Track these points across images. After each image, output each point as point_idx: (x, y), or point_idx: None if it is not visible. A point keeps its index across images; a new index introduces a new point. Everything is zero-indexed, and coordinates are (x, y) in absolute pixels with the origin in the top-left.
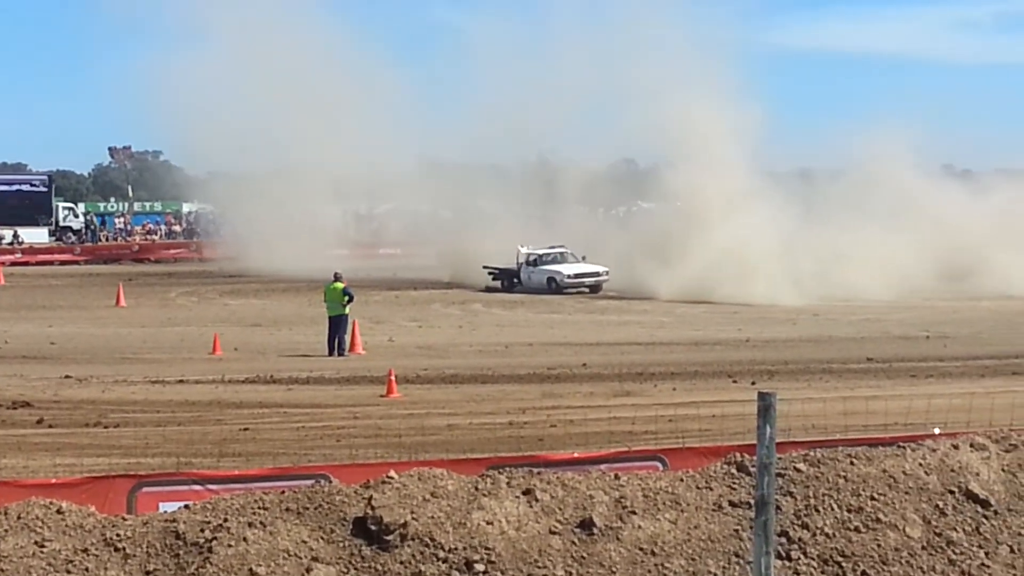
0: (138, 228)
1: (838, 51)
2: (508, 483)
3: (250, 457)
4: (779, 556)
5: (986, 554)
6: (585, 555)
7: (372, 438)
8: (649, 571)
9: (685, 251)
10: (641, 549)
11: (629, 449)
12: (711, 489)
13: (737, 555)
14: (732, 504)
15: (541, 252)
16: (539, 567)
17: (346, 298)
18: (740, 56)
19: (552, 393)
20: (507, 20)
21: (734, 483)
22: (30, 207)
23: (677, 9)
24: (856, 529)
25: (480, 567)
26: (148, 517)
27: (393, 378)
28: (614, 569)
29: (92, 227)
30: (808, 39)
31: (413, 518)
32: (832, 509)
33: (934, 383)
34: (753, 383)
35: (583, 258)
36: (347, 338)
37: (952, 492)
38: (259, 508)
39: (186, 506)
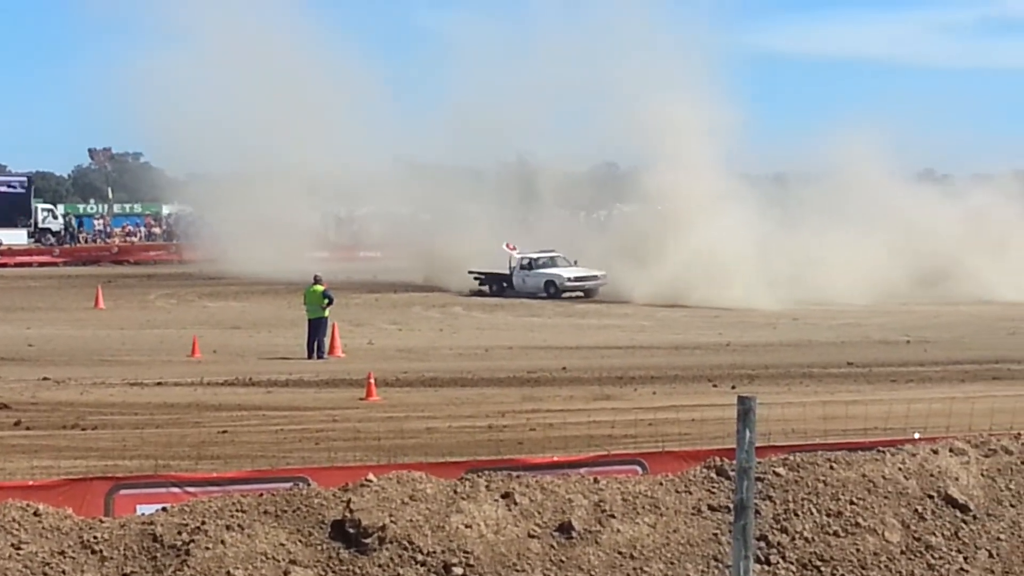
0: (117, 230)
1: (823, 55)
2: (487, 486)
3: (228, 460)
4: (758, 560)
5: (965, 559)
6: (564, 559)
7: (351, 441)
8: (628, 575)
9: (660, 254)
10: (620, 553)
11: (609, 453)
12: (690, 493)
13: (716, 559)
14: (711, 508)
15: (534, 256)
16: (518, 570)
17: (326, 301)
18: (720, 58)
19: (532, 397)
20: (486, 21)
21: (713, 487)
22: (9, 208)
23: (658, 11)
24: (835, 533)
25: (459, 570)
26: (125, 520)
27: (372, 381)
28: (593, 573)
29: (71, 229)
30: (793, 43)
31: (392, 521)
32: (811, 513)
33: (914, 388)
34: (733, 387)
35: (575, 262)
36: (327, 341)
37: (931, 497)
38: (237, 511)
39: (164, 509)
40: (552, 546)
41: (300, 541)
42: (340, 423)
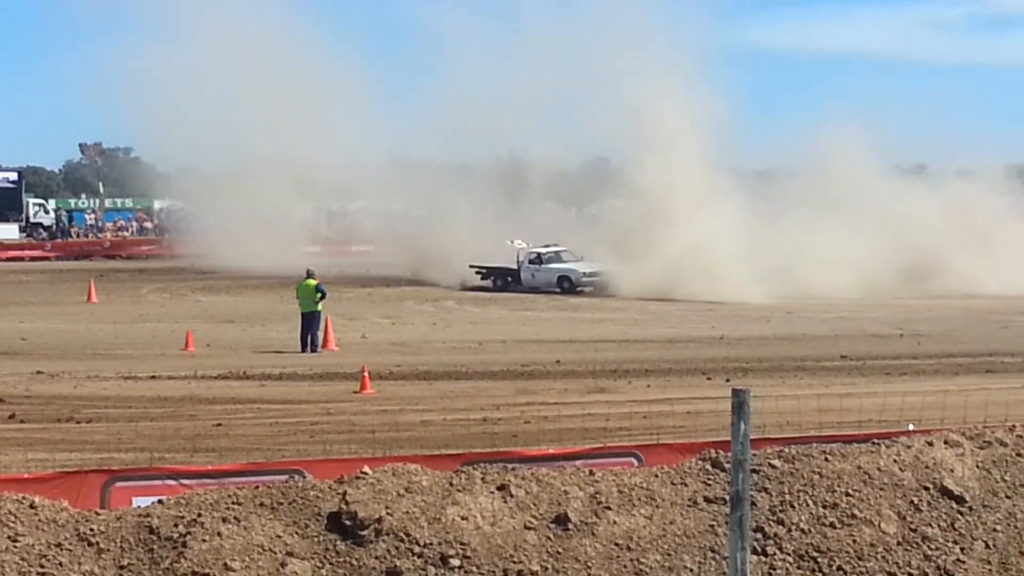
0: (109, 224)
1: (814, 51)
2: (483, 479)
3: (223, 453)
4: (754, 552)
5: (961, 550)
6: (560, 550)
7: (345, 434)
8: (624, 566)
9: (649, 248)
10: (616, 544)
11: (604, 445)
12: (686, 485)
13: (712, 550)
14: (707, 500)
15: (542, 250)
16: (514, 562)
17: (319, 295)
18: (711, 54)
19: (526, 390)
20: (479, 17)
21: (709, 479)
22: (0, 203)
23: (649, 5)
24: (831, 525)
25: (455, 562)
26: (121, 512)
27: (366, 374)
28: (589, 564)
29: (62, 224)
30: (785, 38)
31: (388, 513)
32: (807, 505)
33: (908, 381)
34: (727, 380)
35: (581, 257)
36: (320, 335)
37: (927, 488)
38: (233, 503)
39: (160, 501)
40: (548, 538)
41: (296, 533)
42: (334, 416)
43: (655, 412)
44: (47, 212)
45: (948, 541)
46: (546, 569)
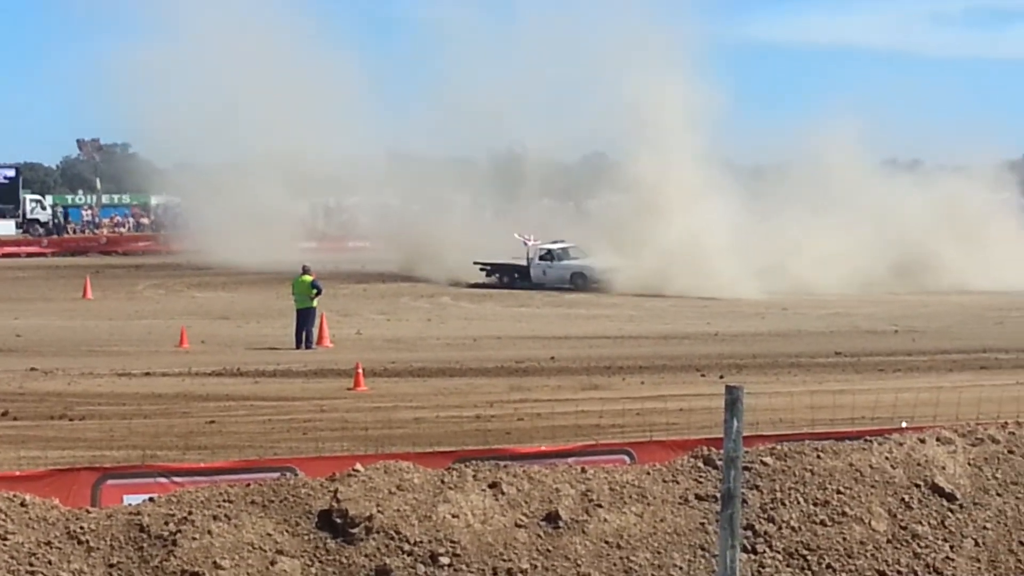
0: (106, 220)
1: (810, 44)
2: (474, 476)
3: (216, 450)
4: (745, 549)
5: (951, 548)
6: (551, 548)
7: (339, 431)
8: (615, 564)
9: (642, 243)
10: (607, 542)
11: (597, 443)
12: (677, 482)
13: (703, 548)
14: (698, 497)
15: (552, 246)
16: (504, 560)
17: (314, 291)
18: (706, 47)
19: (520, 386)
20: (475, 12)
21: (700, 476)
22: None
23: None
24: (822, 522)
25: (445, 560)
26: (112, 510)
27: (360, 371)
28: (580, 562)
29: (58, 220)
30: (781, 32)
31: (379, 511)
32: (798, 503)
33: (902, 377)
34: (721, 377)
35: (587, 253)
36: (315, 331)
37: (918, 486)
38: (224, 501)
39: (151, 499)
40: (539, 536)
41: (287, 531)
42: (328, 413)
43: (648, 409)
44: (44, 208)
45: (938, 539)
46: (536, 567)
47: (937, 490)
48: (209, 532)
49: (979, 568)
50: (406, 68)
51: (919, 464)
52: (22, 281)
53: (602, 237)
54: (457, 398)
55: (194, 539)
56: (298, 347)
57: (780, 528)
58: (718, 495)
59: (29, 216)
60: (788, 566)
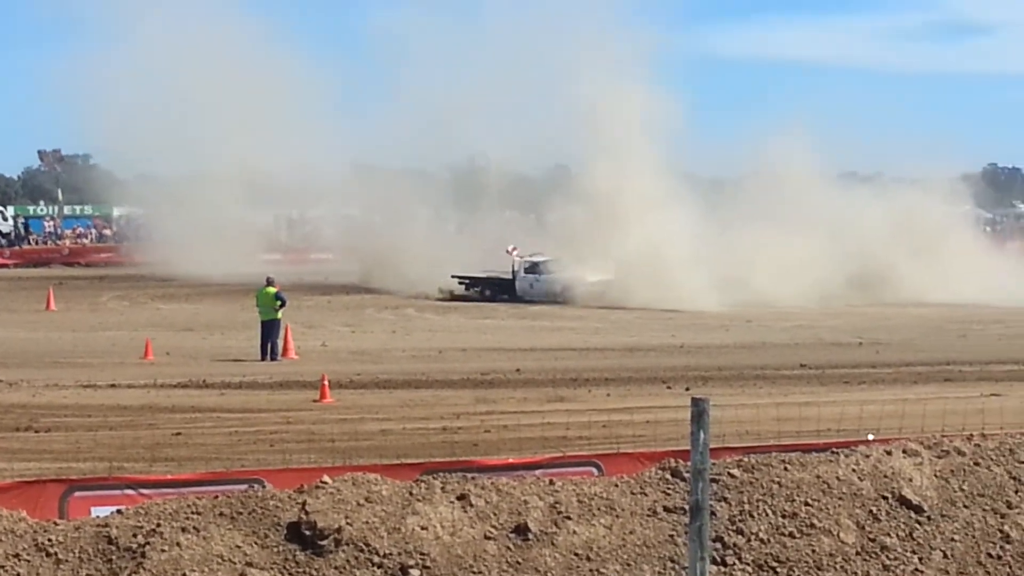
0: (68, 232)
1: (775, 59)
2: (443, 488)
3: (182, 462)
4: (714, 561)
5: (919, 559)
6: (520, 560)
7: (305, 443)
8: None
9: (602, 254)
10: (576, 554)
11: (565, 454)
12: (646, 495)
13: (672, 560)
14: (667, 509)
15: (538, 259)
16: (474, 572)
17: (278, 303)
18: (666, 59)
19: (486, 399)
20: (438, 24)
21: (669, 489)
22: None
23: (606, 12)
24: (790, 535)
25: (415, 572)
26: (80, 522)
27: (326, 383)
28: (548, 574)
29: (19, 231)
30: (745, 47)
31: (347, 523)
32: (766, 515)
33: (867, 389)
34: (687, 389)
35: (568, 266)
36: (280, 343)
37: (885, 498)
38: (192, 513)
39: (119, 511)
40: (508, 548)
41: (256, 543)
42: (294, 425)
43: (615, 421)
44: (5, 219)
45: (906, 551)
46: None
47: (905, 502)
48: (178, 544)
49: None
50: (368, 79)
51: (886, 476)
52: None
53: (561, 249)
54: (423, 410)
55: (163, 551)
56: (263, 359)
57: (749, 540)
58: (686, 507)
59: None
60: None
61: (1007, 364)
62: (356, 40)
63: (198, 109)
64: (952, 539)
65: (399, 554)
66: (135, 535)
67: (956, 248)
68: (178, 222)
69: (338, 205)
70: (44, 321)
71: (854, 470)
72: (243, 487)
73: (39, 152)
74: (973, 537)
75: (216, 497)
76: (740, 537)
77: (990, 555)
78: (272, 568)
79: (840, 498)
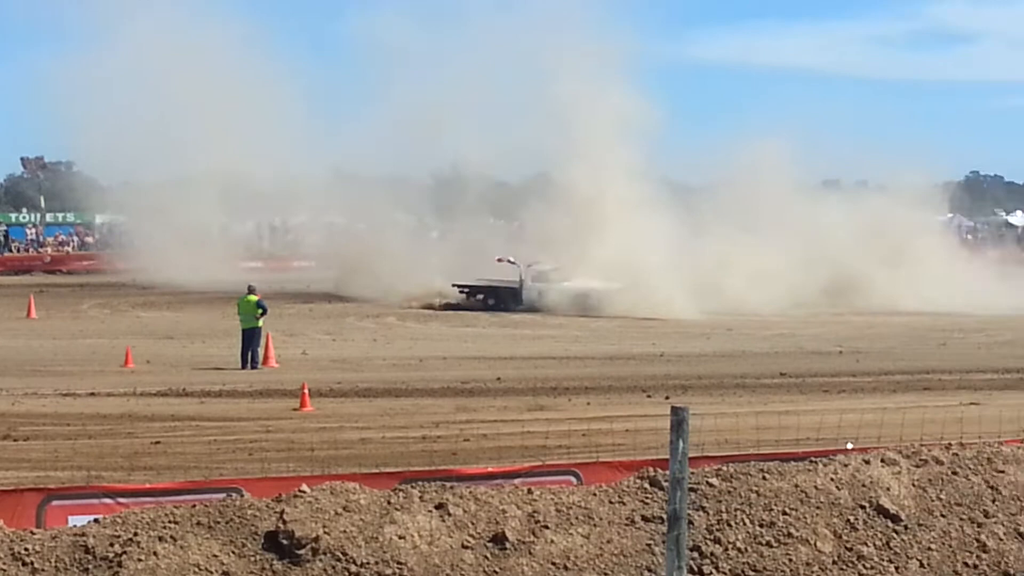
0: (50, 239)
1: (757, 65)
2: (421, 497)
3: (161, 471)
4: (691, 570)
5: (896, 568)
6: (497, 569)
7: (285, 452)
8: None
9: (579, 260)
10: (554, 563)
11: (544, 463)
12: (624, 504)
13: (650, 569)
14: (645, 519)
15: (545, 267)
16: None
17: (259, 311)
18: (647, 64)
19: (466, 407)
20: (416, 30)
21: (647, 498)
22: None
23: (587, 18)
24: (768, 544)
25: None
26: (57, 531)
27: (306, 391)
28: None
29: (1, 238)
30: (728, 53)
31: (325, 532)
32: (744, 524)
33: (846, 398)
34: (667, 398)
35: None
36: (260, 351)
37: (863, 507)
38: (170, 522)
39: (96, 520)
40: (486, 557)
41: (233, 552)
42: (274, 434)
43: (594, 430)
44: None
45: (883, 560)
46: None
47: (882, 511)
48: (155, 553)
49: None
50: (350, 86)
51: (864, 485)
52: None
53: (540, 254)
54: (403, 419)
55: (140, 560)
56: (244, 367)
57: (726, 549)
58: (664, 516)
59: None
60: None
61: (986, 373)
62: (338, 47)
63: (180, 116)
64: (929, 548)
65: (376, 563)
66: (112, 544)
67: (927, 256)
68: (159, 230)
69: (320, 213)
70: (24, 329)
71: (832, 479)
72: (221, 496)
73: (22, 159)
74: (950, 546)
75: (194, 506)
76: (717, 546)
77: (967, 564)
78: None
79: (818, 507)
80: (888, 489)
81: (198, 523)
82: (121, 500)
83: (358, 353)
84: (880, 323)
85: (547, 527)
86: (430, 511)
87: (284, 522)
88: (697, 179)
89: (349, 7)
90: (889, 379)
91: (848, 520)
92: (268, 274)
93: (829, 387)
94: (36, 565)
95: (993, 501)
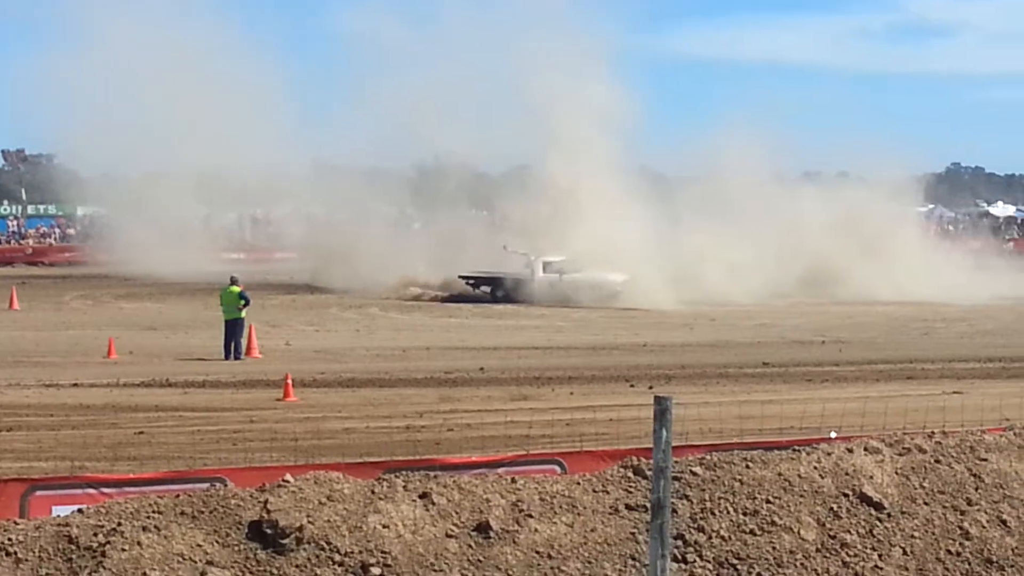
0: (31, 231)
1: (739, 59)
2: (404, 486)
3: (145, 461)
4: (675, 559)
5: (879, 556)
6: (482, 558)
7: (268, 442)
8: (545, 574)
9: (557, 251)
10: (537, 552)
11: (528, 453)
12: (608, 492)
13: (633, 558)
14: (628, 507)
15: (554, 258)
16: (435, 570)
17: (242, 302)
18: (627, 57)
19: (449, 397)
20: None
21: (631, 486)
22: None
23: (566, 10)
24: (751, 532)
25: (376, 571)
26: (41, 521)
27: (290, 382)
28: (510, 572)
29: None
30: (711, 47)
31: (309, 521)
32: (728, 512)
33: (830, 387)
34: (650, 387)
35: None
36: (243, 342)
37: (846, 495)
38: (153, 512)
39: (80, 510)
40: (470, 546)
41: (217, 542)
42: (257, 424)
43: (578, 420)
44: None
45: (866, 547)
46: None
47: (865, 499)
48: (139, 543)
49: None
50: (330, 79)
51: (847, 473)
52: None
53: (519, 245)
54: (387, 408)
55: (123, 550)
56: (227, 358)
57: (710, 538)
58: (648, 505)
59: None
60: (719, 575)
61: (969, 362)
62: (319, 40)
63: (161, 108)
64: (912, 536)
65: (360, 552)
66: (96, 534)
67: (903, 247)
68: (141, 221)
69: (302, 205)
70: (7, 320)
71: (815, 468)
72: (205, 486)
73: (3, 151)
74: (933, 534)
75: (178, 496)
76: (701, 535)
77: (949, 552)
78: (233, 567)
79: (801, 496)
80: (871, 477)
81: (182, 513)
82: (105, 490)
83: (341, 343)
84: (862, 313)
85: (531, 516)
86: (414, 500)
87: (268, 512)
88: (676, 171)
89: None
90: (872, 368)
91: (831, 508)
92: (250, 265)
93: (812, 376)
94: (20, 555)
95: (976, 489)
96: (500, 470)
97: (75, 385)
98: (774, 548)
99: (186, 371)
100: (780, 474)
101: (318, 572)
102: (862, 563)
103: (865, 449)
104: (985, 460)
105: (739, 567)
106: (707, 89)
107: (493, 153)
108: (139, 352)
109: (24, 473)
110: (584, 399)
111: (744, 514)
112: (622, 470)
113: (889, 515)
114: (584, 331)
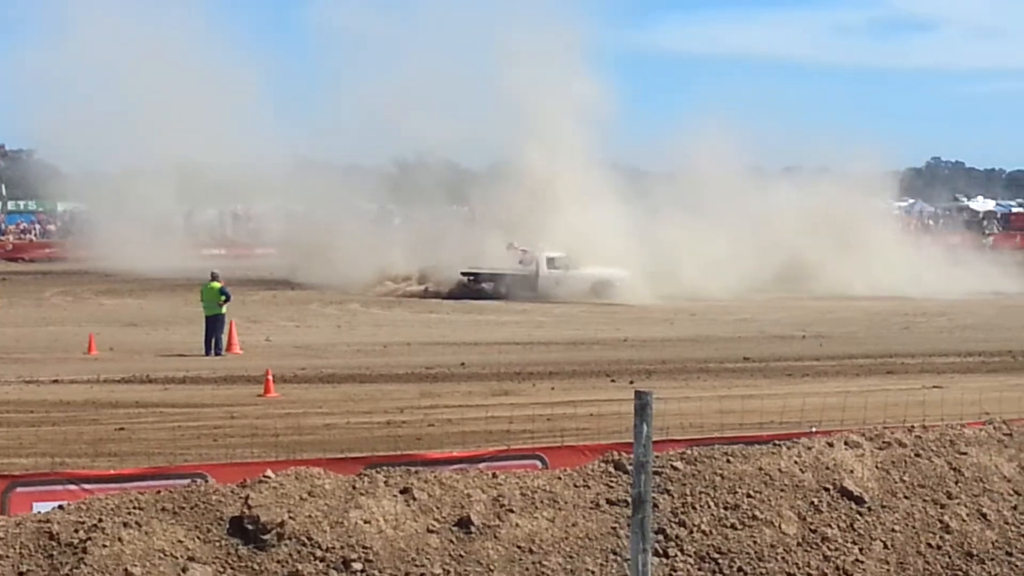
0: (11, 227)
1: (718, 54)
2: (386, 482)
3: (125, 457)
4: (656, 553)
5: (860, 550)
6: (463, 553)
7: (249, 438)
8: (527, 569)
9: (533, 244)
10: (519, 547)
11: (508, 448)
12: (588, 487)
13: (615, 553)
14: (610, 502)
15: (556, 255)
16: (417, 565)
17: (223, 297)
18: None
19: (430, 392)
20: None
21: (611, 481)
22: None
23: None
24: (732, 526)
25: (358, 566)
26: (21, 518)
27: (270, 378)
28: (492, 567)
29: None
30: (689, 42)
31: (290, 517)
32: (709, 507)
33: (810, 382)
34: (631, 382)
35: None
36: (224, 338)
37: (827, 489)
38: (134, 508)
39: (60, 506)
40: (451, 541)
41: (198, 538)
42: (238, 420)
43: (558, 414)
44: None
45: (847, 541)
46: (448, 572)
47: (846, 493)
48: (120, 539)
49: (888, 570)
50: (309, 74)
51: (828, 468)
52: None
53: (496, 239)
54: (367, 404)
55: (104, 547)
56: (207, 354)
57: (691, 532)
58: (629, 499)
59: None
60: (700, 570)
61: (949, 356)
62: (297, 35)
63: (141, 104)
64: (892, 530)
65: (342, 548)
66: (76, 530)
67: (879, 241)
68: (122, 217)
69: (282, 200)
70: None
71: (796, 462)
72: (186, 482)
73: None
74: (913, 527)
75: (158, 492)
76: (682, 529)
77: (930, 545)
78: (214, 562)
79: (782, 490)
80: (852, 471)
81: (163, 509)
82: (86, 486)
83: (322, 339)
84: (841, 308)
85: (512, 511)
86: (395, 496)
87: (249, 507)
88: (653, 165)
89: None
90: (852, 363)
91: (812, 502)
92: (231, 261)
93: (792, 371)
94: (0, 551)
95: (956, 483)
96: (481, 465)
97: (55, 381)
98: (755, 542)
99: (166, 367)
100: (761, 468)
101: (299, 567)
102: (843, 557)
103: (845, 443)
104: (965, 454)
105: (720, 561)
106: (686, 84)
107: (473, 148)
108: (119, 348)
109: (4, 470)
110: (565, 394)
111: (725, 508)
112: (603, 465)
113: (870, 509)
114: (564, 326)
